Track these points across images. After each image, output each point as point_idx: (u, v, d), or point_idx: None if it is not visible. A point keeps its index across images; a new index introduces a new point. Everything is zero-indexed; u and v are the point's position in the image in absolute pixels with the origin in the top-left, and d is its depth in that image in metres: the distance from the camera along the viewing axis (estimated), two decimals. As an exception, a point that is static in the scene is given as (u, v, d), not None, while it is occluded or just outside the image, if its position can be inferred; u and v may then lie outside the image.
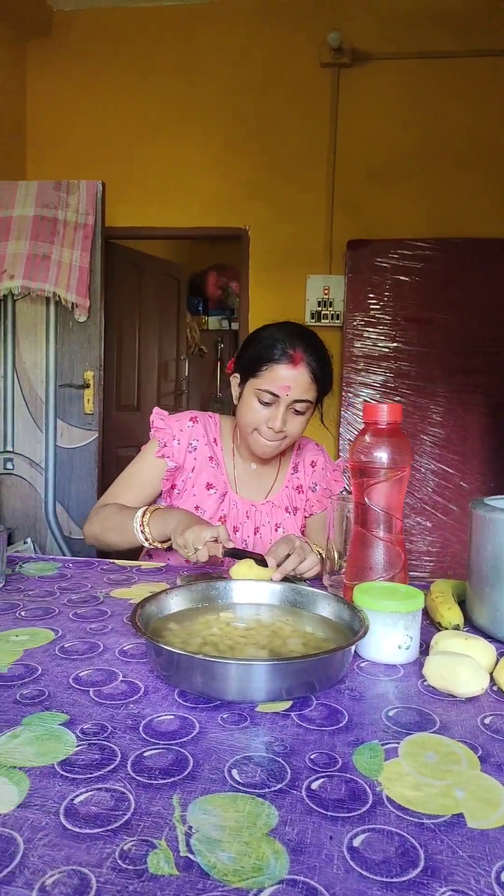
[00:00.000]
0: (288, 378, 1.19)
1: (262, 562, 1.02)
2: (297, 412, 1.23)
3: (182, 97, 3.70)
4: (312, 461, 1.42)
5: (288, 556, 1.05)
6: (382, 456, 0.88)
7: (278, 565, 1.03)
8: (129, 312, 3.95)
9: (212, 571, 1.17)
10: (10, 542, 2.94)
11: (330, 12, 3.50)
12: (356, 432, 3.43)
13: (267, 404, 1.22)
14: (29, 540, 2.94)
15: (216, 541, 1.05)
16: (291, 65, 3.58)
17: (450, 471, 3.39)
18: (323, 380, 1.24)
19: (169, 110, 3.72)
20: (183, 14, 3.67)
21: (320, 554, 1.17)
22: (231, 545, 1.06)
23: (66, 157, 3.79)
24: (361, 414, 0.92)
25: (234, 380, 1.31)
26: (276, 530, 1.35)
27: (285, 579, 1.05)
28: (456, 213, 3.47)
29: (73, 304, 2.85)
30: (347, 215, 3.56)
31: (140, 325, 4.08)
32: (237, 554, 1.05)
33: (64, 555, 3.05)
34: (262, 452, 1.28)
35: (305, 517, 1.41)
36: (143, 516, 1.20)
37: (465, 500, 3.41)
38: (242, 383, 1.27)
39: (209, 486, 1.33)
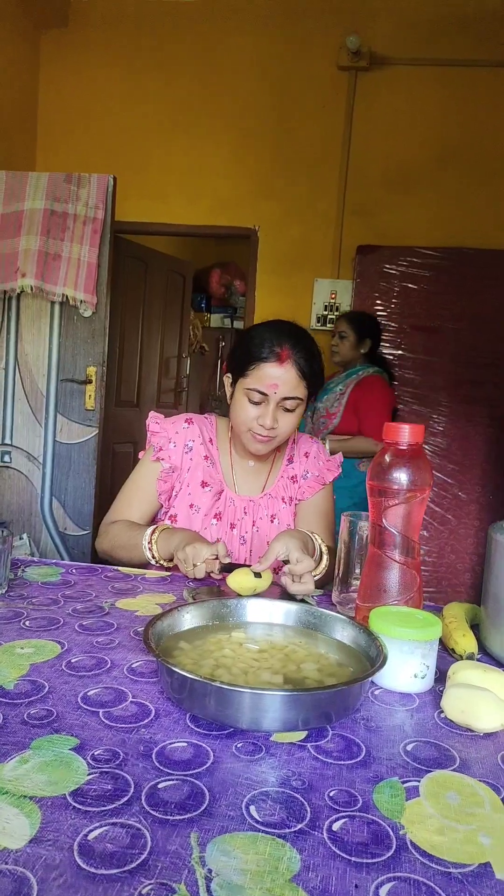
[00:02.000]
0: (275, 376, 1.20)
1: (257, 574, 1.03)
2: (287, 410, 1.24)
3: (197, 94, 3.67)
4: (306, 452, 1.43)
5: (285, 562, 1.05)
6: (402, 477, 0.86)
7: (276, 570, 1.04)
8: (132, 308, 3.92)
9: (216, 584, 1.16)
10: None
11: (350, 15, 3.47)
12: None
13: (257, 403, 1.23)
14: (25, 536, 2.91)
15: (215, 558, 1.07)
16: (308, 66, 3.56)
17: (449, 481, 3.38)
18: (311, 377, 1.24)
19: (183, 106, 3.69)
20: (201, 9, 3.63)
21: (320, 547, 1.19)
22: (228, 560, 1.07)
23: (76, 150, 3.75)
24: (383, 433, 0.90)
25: (227, 380, 1.32)
26: (272, 521, 1.36)
27: (292, 596, 1.05)
28: (468, 222, 3.45)
29: (80, 300, 2.83)
30: (358, 220, 3.54)
31: (143, 321, 4.05)
32: (231, 568, 1.06)
33: (58, 550, 3.02)
34: (256, 450, 1.29)
35: (295, 503, 1.41)
36: (151, 535, 1.22)
37: (462, 511, 3.40)
38: (234, 383, 1.28)
39: (204, 484, 1.34)
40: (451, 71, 3.44)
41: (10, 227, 2.87)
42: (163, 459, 1.34)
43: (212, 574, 1.09)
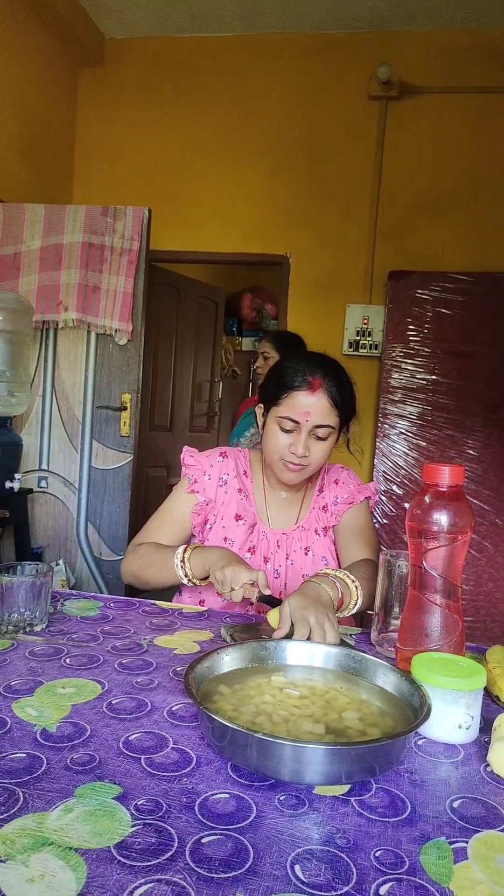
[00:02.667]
0: (307, 404, 1.21)
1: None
2: (319, 438, 1.24)
3: (229, 125, 3.75)
4: (336, 479, 1.43)
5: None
6: (442, 519, 0.85)
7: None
8: (166, 334, 3.98)
9: (253, 619, 1.15)
10: (40, 559, 2.96)
11: (380, 46, 3.52)
12: (391, 463, 3.39)
13: (289, 431, 1.23)
14: (61, 562, 2.95)
15: (253, 585, 1.06)
16: (339, 96, 3.61)
17: (485, 507, 3.32)
18: (343, 405, 1.24)
19: (215, 138, 3.77)
20: (233, 45, 3.73)
21: (354, 583, 1.14)
22: (268, 592, 1.06)
23: (111, 182, 3.86)
24: (422, 473, 0.89)
25: (259, 410, 1.33)
26: (306, 554, 1.35)
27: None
28: (500, 247, 3.44)
29: (116, 329, 2.91)
30: (389, 246, 3.55)
31: (176, 347, 4.11)
32: (271, 601, 1.05)
33: (93, 575, 3.05)
34: (288, 479, 1.28)
35: (330, 531, 1.40)
36: (184, 552, 1.21)
37: (499, 538, 3.34)
38: (266, 413, 1.29)
39: (238, 518, 1.34)
40: (480, 98, 3.46)
41: (49, 259, 2.96)
42: (197, 492, 1.35)
43: (249, 599, 1.08)
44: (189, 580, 1.21)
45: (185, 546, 1.23)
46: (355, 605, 1.14)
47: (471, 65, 3.46)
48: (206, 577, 1.19)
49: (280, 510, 1.38)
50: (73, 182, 3.94)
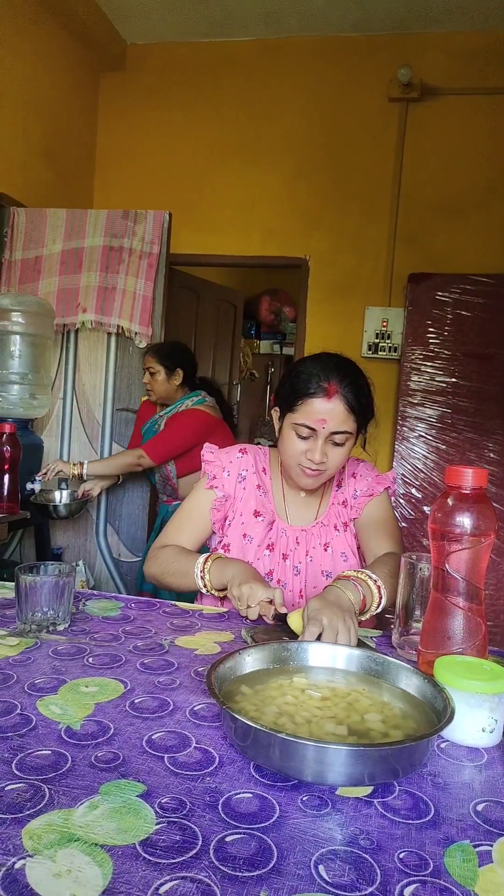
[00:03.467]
0: (323, 411, 1.19)
1: None
2: (336, 444, 1.23)
3: (248, 128, 3.77)
4: (353, 472, 1.41)
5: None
6: (465, 522, 0.85)
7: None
8: (185, 336, 4.00)
9: (274, 625, 1.16)
10: (59, 559, 2.98)
11: (399, 48, 3.52)
12: (410, 466, 3.38)
13: (305, 438, 1.22)
14: (81, 563, 2.97)
15: (270, 602, 1.06)
16: (359, 99, 3.61)
17: (506, 511, 3.29)
18: (360, 410, 1.23)
19: (234, 141, 3.79)
20: (253, 49, 3.74)
21: (376, 584, 1.13)
22: (284, 611, 1.06)
23: (131, 185, 3.89)
24: (444, 476, 0.89)
25: (275, 413, 1.32)
26: (326, 550, 1.35)
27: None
28: (521, 249, 3.41)
29: (136, 332, 2.92)
30: (409, 248, 3.54)
31: (195, 350, 4.12)
32: (286, 617, 1.05)
33: (112, 576, 3.07)
34: (305, 485, 1.28)
35: (352, 521, 1.39)
36: (204, 563, 1.22)
37: (520, 542, 3.30)
38: (282, 417, 1.28)
39: (257, 514, 1.34)
40: (500, 100, 3.44)
41: (70, 263, 2.99)
42: (216, 488, 1.36)
43: (264, 618, 1.08)
44: (208, 591, 1.22)
45: (205, 557, 1.23)
46: (378, 605, 1.14)
47: (491, 66, 3.44)
48: (223, 589, 1.19)
49: (299, 507, 1.38)
50: (94, 185, 3.98)
